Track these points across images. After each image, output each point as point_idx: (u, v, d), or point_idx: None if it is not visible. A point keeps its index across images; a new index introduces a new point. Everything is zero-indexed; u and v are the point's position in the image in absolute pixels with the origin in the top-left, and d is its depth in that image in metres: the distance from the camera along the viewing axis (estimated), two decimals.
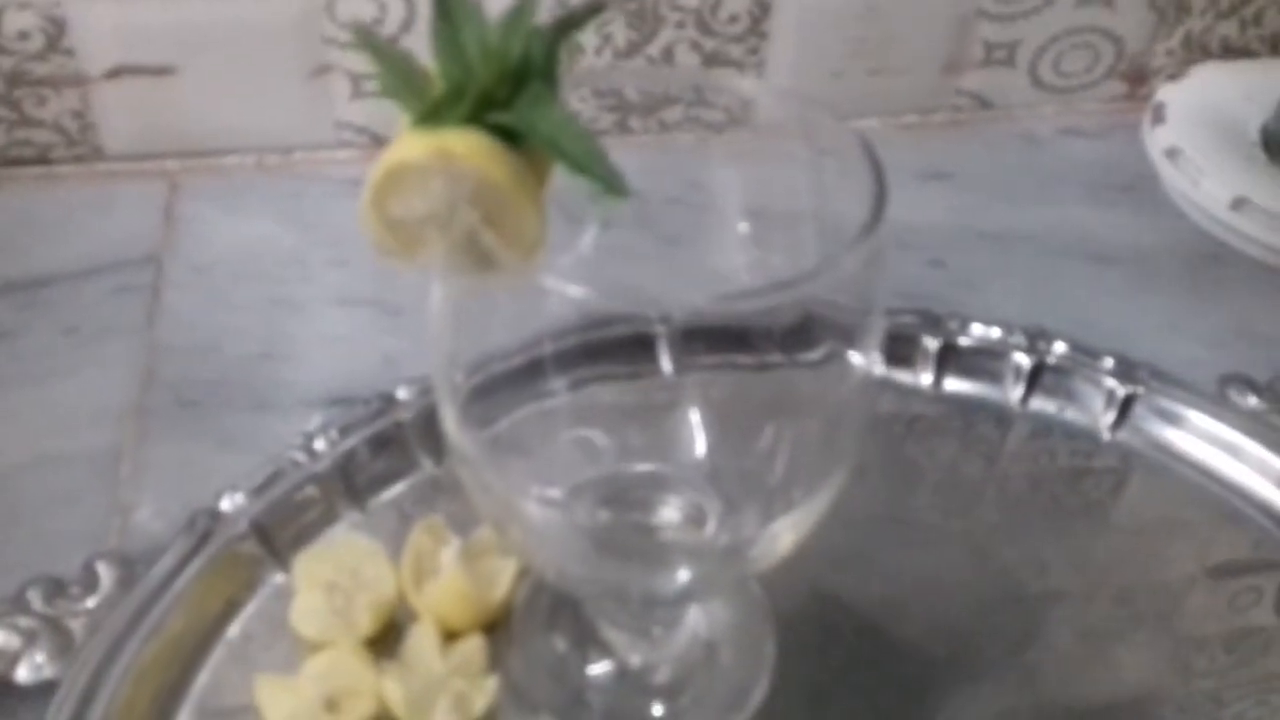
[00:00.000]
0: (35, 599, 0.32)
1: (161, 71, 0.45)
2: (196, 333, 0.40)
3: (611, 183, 0.20)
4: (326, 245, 0.43)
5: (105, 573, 0.32)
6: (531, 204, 0.20)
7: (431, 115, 0.20)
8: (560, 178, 0.22)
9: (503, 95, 0.21)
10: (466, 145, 0.20)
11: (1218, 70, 0.51)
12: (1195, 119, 0.49)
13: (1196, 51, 0.52)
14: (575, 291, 0.20)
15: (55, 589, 0.32)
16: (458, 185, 0.20)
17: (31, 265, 0.42)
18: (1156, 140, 0.49)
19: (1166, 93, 0.50)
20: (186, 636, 0.32)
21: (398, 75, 0.21)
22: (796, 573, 0.32)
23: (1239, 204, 0.45)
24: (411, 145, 0.20)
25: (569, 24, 0.22)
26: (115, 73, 0.44)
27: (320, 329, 0.40)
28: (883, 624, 0.33)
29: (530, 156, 0.21)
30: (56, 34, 0.43)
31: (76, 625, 0.31)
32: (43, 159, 0.46)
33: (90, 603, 0.32)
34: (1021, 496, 0.37)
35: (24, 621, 0.31)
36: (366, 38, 0.21)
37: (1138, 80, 0.53)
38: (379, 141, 0.47)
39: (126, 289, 0.41)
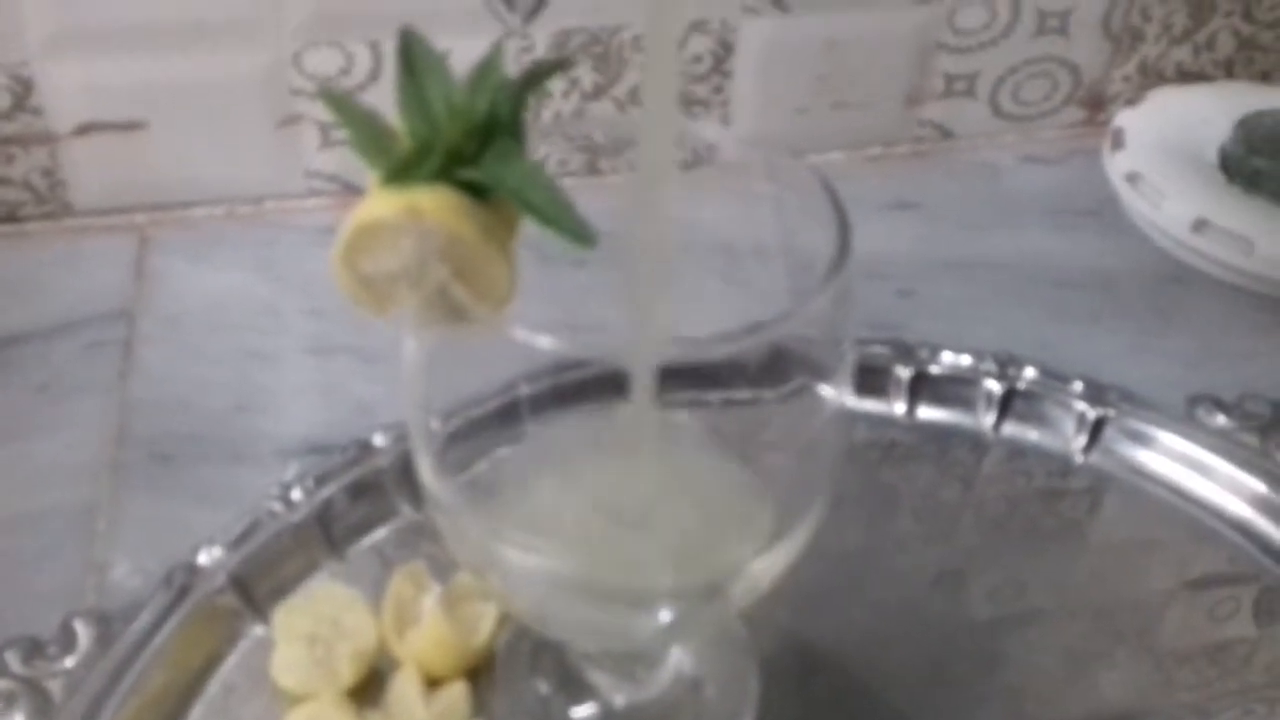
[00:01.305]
0: (13, 660, 0.31)
1: (130, 126, 0.45)
2: (170, 386, 0.40)
3: (578, 234, 0.20)
4: (300, 294, 0.43)
5: (83, 631, 0.32)
6: (501, 257, 0.21)
7: (400, 173, 0.21)
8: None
9: (470, 151, 0.21)
10: (435, 202, 0.20)
11: (1174, 94, 0.52)
12: (1154, 143, 0.49)
13: (1152, 77, 0.53)
14: (546, 343, 0.20)
15: (33, 649, 0.31)
16: (427, 242, 0.20)
17: (1, 324, 0.42)
18: (1116, 165, 0.49)
19: (1125, 118, 0.51)
20: (166, 693, 0.31)
21: (364, 132, 0.21)
22: (778, 607, 0.32)
23: (1200, 226, 0.46)
24: (380, 203, 0.20)
25: (534, 78, 0.22)
26: (84, 129, 0.44)
27: (295, 378, 0.40)
28: (865, 654, 0.33)
29: (499, 208, 0.21)
30: (24, 93, 0.43)
31: (55, 686, 0.31)
32: (12, 217, 0.46)
33: (69, 662, 0.31)
34: (998, 521, 0.37)
35: (2, 684, 0.31)
36: (332, 96, 0.22)
37: (1096, 107, 0.54)
38: (350, 189, 0.48)
39: (98, 345, 0.41)
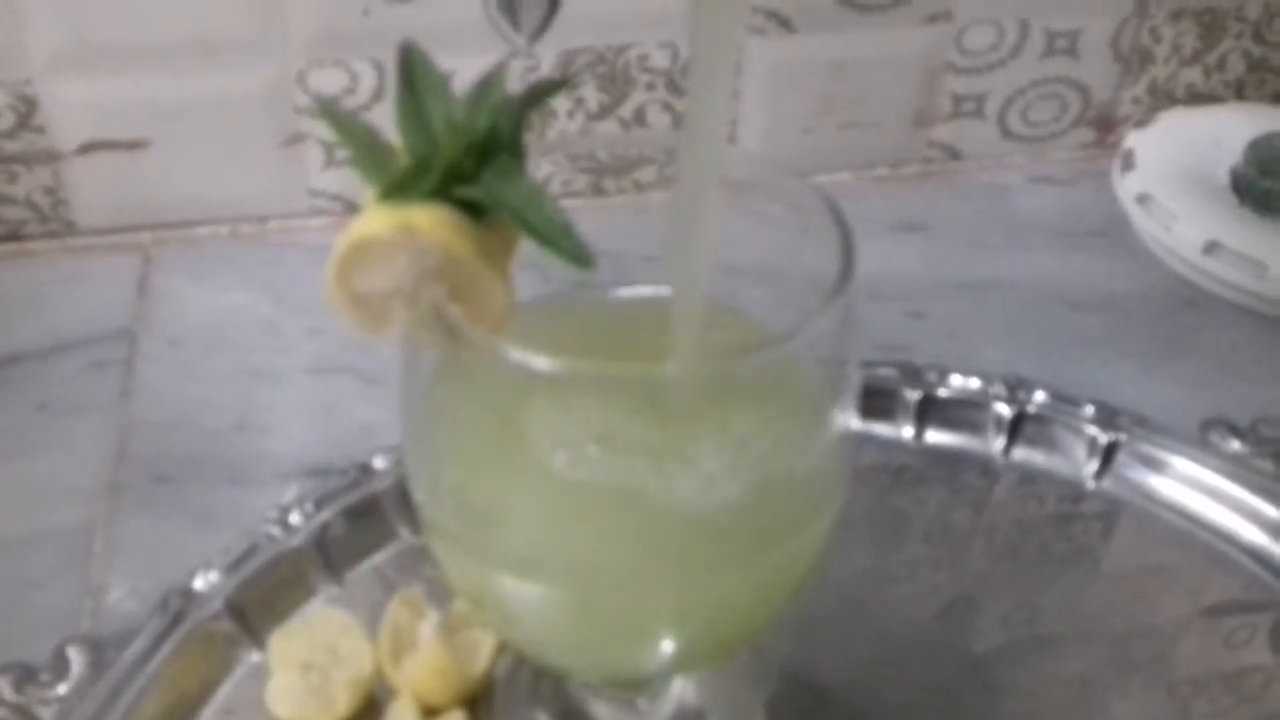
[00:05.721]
0: (4, 687, 0.31)
1: (134, 145, 0.44)
2: (170, 407, 0.40)
3: (577, 256, 0.20)
4: (302, 314, 0.43)
5: (76, 658, 0.31)
6: (498, 277, 0.20)
7: (397, 189, 0.20)
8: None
9: (469, 168, 0.20)
10: (431, 220, 0.20)
11: (1185, 116, 0.52)
12: (1165, 165, 0.49)
13: (1162, 98, 0.53)
14: (541, 365, 0.20)
15: (25, 676, 0.31)
16: (422, 260, 0.19)
17: (2, 342, 0.41)
18: (1127, 187, 0.49)
19: (1135, 139, 0.50)
20: None
21: (362, 148, 0.21)
22: (785, 634, 0.32)
23: (1211, 248, 0.46)
24: (375, 220, 0.20)
25: (536, 96, 0.22)
26: (87, 148, 0.44)
27: (297, 399, 0.40)
28: (875, 682, 0.32)
29: (497, 228, 0.21)
30: (27, 112, 0.43)
31: (47, 713, 0.30)
32: (15, 235, 0.46)
33: (61, 689, 0.31)
34: (1009, 548, 0.36)
35: None
36: (330, 111, 0.21)
37: (1106, 128, 0.53)
38: (354, 209, 0.47)
39: (99, 364, 0.41)
